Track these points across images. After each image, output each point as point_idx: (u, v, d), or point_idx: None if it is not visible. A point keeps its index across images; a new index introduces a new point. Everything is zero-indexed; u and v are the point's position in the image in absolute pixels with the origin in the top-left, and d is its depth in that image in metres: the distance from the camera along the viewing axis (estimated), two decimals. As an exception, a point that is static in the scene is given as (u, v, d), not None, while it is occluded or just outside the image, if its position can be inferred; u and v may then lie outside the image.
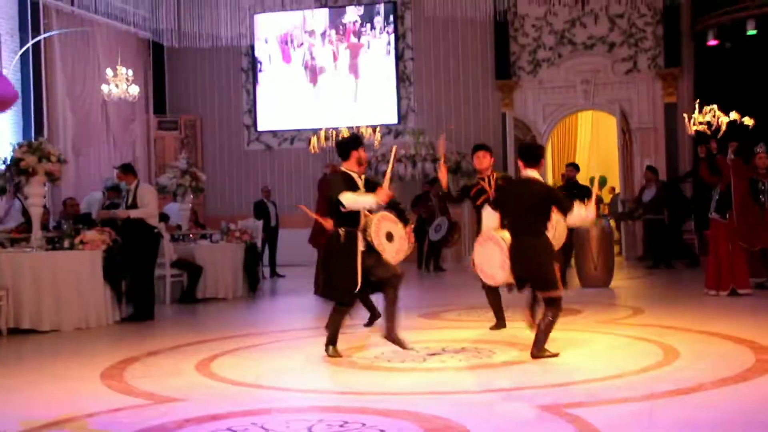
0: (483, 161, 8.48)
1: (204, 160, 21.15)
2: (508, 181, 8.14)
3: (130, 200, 10.40)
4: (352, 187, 7.01)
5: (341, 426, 4.80)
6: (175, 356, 7.57)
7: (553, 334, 6.83)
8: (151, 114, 20.82)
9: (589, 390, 5.58)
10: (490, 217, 7.38)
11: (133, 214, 10.26)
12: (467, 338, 7.87)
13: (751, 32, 16.73)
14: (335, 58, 21.00)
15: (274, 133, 21.22)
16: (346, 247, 6.87)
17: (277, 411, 5.24)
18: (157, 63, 21.39)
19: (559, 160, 21.43)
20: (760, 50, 16.67)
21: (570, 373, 6.14)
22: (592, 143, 23.38)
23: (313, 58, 21.14)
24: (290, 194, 20.12)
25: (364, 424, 4.80)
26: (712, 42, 17.38)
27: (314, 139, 18.05)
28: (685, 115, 12.16)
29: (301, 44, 21.19)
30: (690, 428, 4.59)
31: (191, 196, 13.73)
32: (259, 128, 21.34)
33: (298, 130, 20.96)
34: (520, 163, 6.95)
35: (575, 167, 13.37)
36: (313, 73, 21.09)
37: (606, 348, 7.25)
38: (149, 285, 10.46)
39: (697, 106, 14.20)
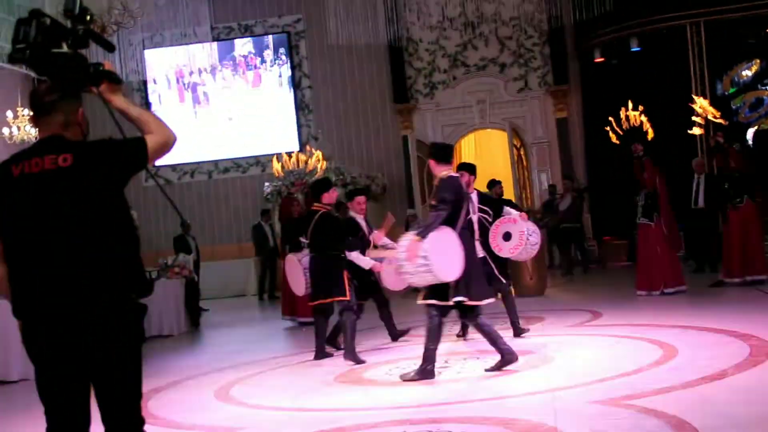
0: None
1: (100, 199, 20.66)
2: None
3: None
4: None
5: (430, 435, 5.03)
6: (187, 390, 7.59)
7: (543, 340, 7.27)
8: (42, 154, 20.16)
9: (625, 384, 5.99)
10: None
11: None
12: (453, 350, 8.19)
13: (635, 49, 17.89)
14: (230, 93, 21.00)
15: (172, 167, 20.95)
16: None
17: (352, 429, 5.40)
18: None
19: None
20: (644, 64, 17.83)
21: (589, 373, 6.54)
22: (476, 161, 24.16)
23: (206, 95, 21.07)
24: (196, 228, 19.89)
25: (451, 432, 5.04)
26: (599, 59, 18.46)
27: (276, 163, 17.46)
28: (611, 120, 12.70)
29: (194, 82, 21.09)
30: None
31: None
32: (157, 163, 21.00)
33: (198, 163, 20.82)
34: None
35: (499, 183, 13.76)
36: (207, 107, 21.02)
37: (602, 348, 7.71)
38: None
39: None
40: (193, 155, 20.76)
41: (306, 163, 16.79)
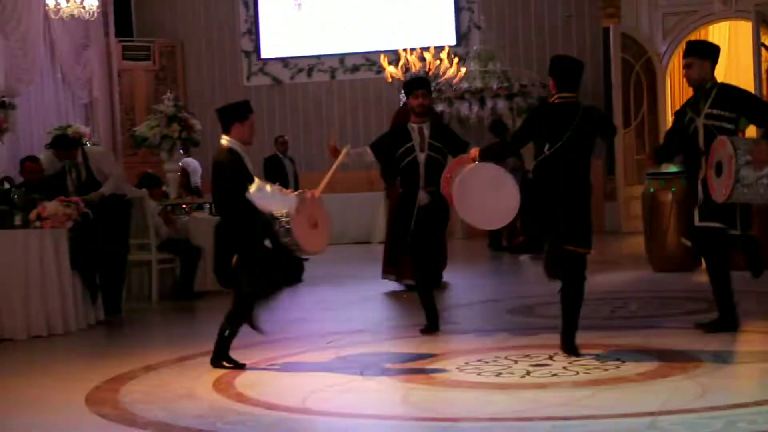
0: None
1: (188, 101, 21.16)
2: None
3: (83, 178, 11.12)
4: None
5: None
6: (183, 372, 7.75)
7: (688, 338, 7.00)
8: (112, 37, 20.84)
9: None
10: None
11: (106, 191, 11.05)
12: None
13: None
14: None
15: (284, 61, 21.25)
16: None
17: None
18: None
19: (680, 91, 21.26)
20: None
21: (722, 393, 6.28)
22: (729, 66, 23.15)
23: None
24: (310, 146, 20.17)
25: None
26: None
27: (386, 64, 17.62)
28: None
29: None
30: None
31: (181, 152, 13.77)
32: (264, 55, 21.40)
33: (318, 57, 20.99)
34: None
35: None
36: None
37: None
38: (119, 269, 11.19)
39: None
40: (309, 46, 21.03)
41: (437, 66, 16.56)
